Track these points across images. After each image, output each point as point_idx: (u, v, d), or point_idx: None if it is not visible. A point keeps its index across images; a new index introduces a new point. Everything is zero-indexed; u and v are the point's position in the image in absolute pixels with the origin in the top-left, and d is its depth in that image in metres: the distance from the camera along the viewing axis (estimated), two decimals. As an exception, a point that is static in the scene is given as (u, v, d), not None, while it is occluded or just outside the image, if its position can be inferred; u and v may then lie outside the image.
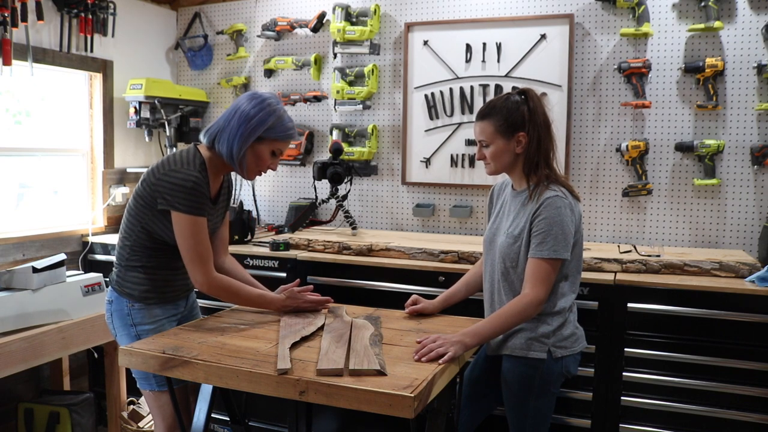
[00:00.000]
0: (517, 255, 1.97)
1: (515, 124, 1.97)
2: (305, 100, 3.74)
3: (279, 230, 3.49)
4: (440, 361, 1.71)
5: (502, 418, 2.17)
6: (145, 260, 2.05)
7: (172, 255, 2.04)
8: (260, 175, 2.13)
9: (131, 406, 3.20)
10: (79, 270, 3.35)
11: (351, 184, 3.42)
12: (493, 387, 2.14)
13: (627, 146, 3.10)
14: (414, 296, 2.27)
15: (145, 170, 2.08)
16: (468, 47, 3.40)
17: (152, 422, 2.27)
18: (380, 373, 1.60)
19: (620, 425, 2.52)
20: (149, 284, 2.06)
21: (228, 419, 2.29)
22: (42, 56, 3.25)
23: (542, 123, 1.98)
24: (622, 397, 2.51)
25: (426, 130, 3.54)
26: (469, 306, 2.29)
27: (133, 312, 2.05)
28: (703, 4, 2.94)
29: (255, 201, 3.95)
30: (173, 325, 2.13)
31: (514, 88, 3.22)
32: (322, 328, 2.00)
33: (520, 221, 1.98)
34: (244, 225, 3.25)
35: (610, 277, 2.52)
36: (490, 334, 1.90)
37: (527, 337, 1.97)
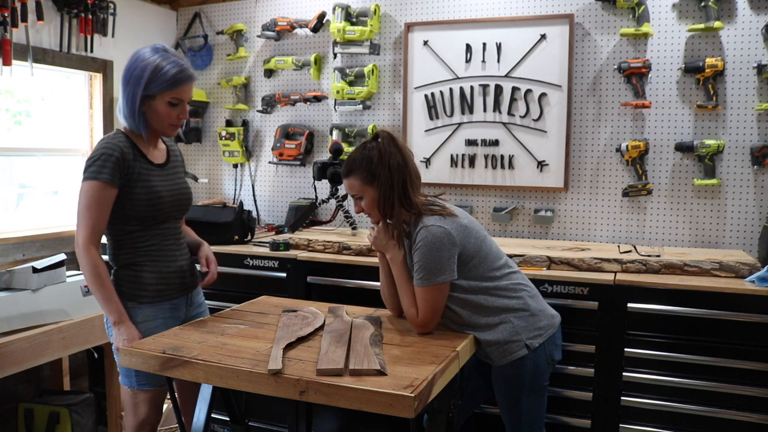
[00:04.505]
0: None
1: (377, 172, 2.01)
2: (305, 100, 3.74)
3: (279, 230, 3.49)
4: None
5: (499, 418, 2.18)
6: (133, 255, 2.04)
7: (156, 236, 2.06)
8: (176, 128, 2.10)
9: (131, 406, 3.20)
10: (79, 270, 3.35)
11: (351, 184, 3.42)
12: (483, 378, 2.16)
13: (627, 146, 3.10)
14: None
15: None
16: (468, 47, 3.40)
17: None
18: (380, 373, 1.60)
19: (620, 425, 2.52)
20: (140, 281, 2.05)
21: (228, 419, 2.29)
22: (42, 56, 3.25)
23: (395, 164, 2.00)
24: (622, 397, 2.51)
25: (426, 130, 3.53)
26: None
27: (128, 311, 2.03)
28: (703, 4, 2.94)
29: (255, 201, 3.95)
30: (171, 325, 2.09)
31: (514, 88, 3.28)
32: (321, 328, 2.01)
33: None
34: (244, 225, 3.25)
35: (610, 277, 2.52)
36: (396, 279, 2.06)
37: (501, 344, 2.01)
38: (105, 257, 2.04)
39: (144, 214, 2.03)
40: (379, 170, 1.99)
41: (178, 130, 2.13)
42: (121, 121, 2.07)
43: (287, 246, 3.06)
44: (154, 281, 2.07)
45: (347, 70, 3.61)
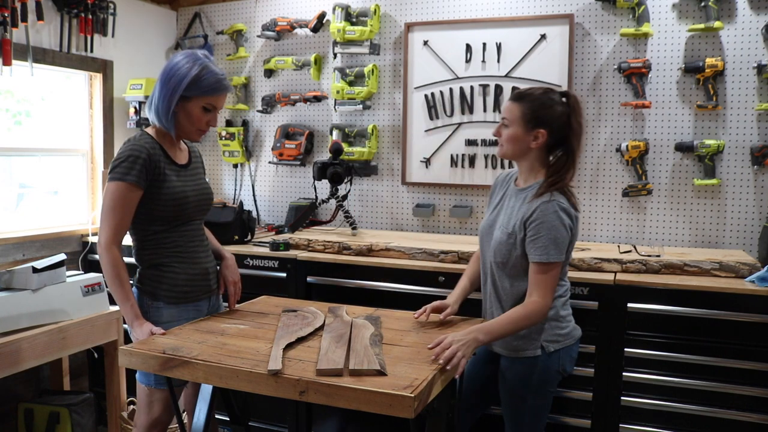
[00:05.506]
0: (509, 251, 1.99)
1: (540, 119, 1.96)
2: (305, 100, 3.74)
3: (279, 230, 3.49)
4: (461, 365, 1.71)
5: (500, 418, 2.17)
6: (159, 255, 2.06)
7: (180, 237, 2.07)
8: (203, 134, 2.11)
9: (131, 406, 3.20)
10: (79, 270, 3.35)
11: (351, 184, 3.42)
12: (490, 385, 2.15)
13: (627, 146, 3.10)
14: (433, 305, 2.14)
15: None
16: (468, 47, 3.40)
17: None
18: (380, 373, 1.60)
19: (620, 425, 2.52)
20: (166, 281, 2.07)
21: (228, 419, 2.29)
22: (42, 56, 3.25)
23: (576, 130, 1.97)
24: (622, 397, 2.51)
25: (426, 130, 3.53)
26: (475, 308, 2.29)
27: (152, 311, 2.06)
28: (703, 4, 2.94)
29: (255, 201, 3.95)
30: None
31: (514, 88, 3.27)
32: (321, 328, 2.01)
33: (516, 219, 1.99)
34: (244, 225, 3.24)
35: (610, 277, 2.52)
36: (501, 333, 1.90)
37: (518, 336, 1.99)
38: (130, 259, 2.05)
39: (169, 214, 2.04)
40: (547, 119, 1.95)
41: (203, 136, 2.14)
42: (150, 118, 2.06)
43: (287, 246, 3.05)
44: (180, 282, 2.08)
45: (347, 70, 3.60)
